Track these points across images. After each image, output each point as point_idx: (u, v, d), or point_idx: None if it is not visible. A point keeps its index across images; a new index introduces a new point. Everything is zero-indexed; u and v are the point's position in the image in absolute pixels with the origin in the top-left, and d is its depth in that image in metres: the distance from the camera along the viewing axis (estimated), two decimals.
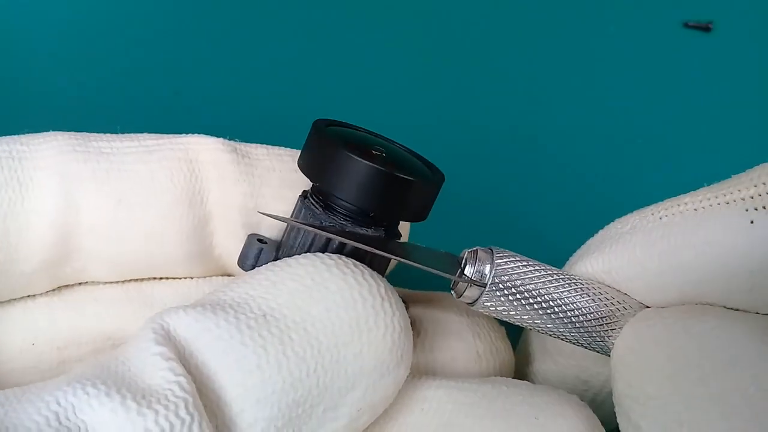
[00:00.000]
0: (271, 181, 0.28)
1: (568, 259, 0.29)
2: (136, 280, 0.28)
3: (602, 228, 0.29)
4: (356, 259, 0.25)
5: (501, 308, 0.26)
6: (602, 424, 0.26)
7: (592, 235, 0.29)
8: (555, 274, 0.26)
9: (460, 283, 0.26)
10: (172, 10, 0.48)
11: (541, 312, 0.25)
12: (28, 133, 0.26)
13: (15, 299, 0.26)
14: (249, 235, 0.27)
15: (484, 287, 0.25)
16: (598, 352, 0.26)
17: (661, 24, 0.51)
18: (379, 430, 0.25)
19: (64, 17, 0.46)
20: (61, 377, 0.21)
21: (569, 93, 0.49)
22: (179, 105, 0.45)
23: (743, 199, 0.23)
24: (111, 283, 0.28)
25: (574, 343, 0.26)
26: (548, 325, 0.26)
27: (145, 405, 0.20)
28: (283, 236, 0.27)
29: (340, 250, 0.25)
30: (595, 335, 0.26)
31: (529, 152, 0.47)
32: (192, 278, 0.28)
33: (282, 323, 0.22)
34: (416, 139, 0.29)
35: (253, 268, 0.26)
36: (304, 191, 0.27)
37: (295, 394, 0.22)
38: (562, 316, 0.25)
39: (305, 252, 0.26)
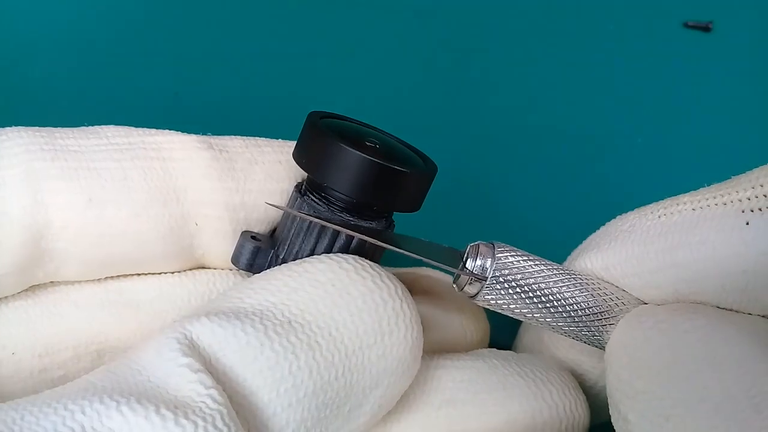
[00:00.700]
0: (255, 175, 0.27)
1: (568, 254, 0.30)
2: (113, 278, 0.27)
3: (602, 224, 0.29)
4: (360, 253, 0.25)
5: (501, 302, 0.26)
6: (596, 416, 0.28)
7: (592, 232, 0.29)
8: (555, 269, 0.26)
9: (462, 276, 0.26)
10: (172, 10, 0.48)
11: (540, 306, 0.26)
12: None
13: None
14: (242, 233, 0.27)
15: (485, 281, 0.26)
16: (595, 346, 0.27)
17: (661, 24, 0.51)
18: (386, 414, 0.26)
19: (64, 17, 0.46)
20: (71, 386, 0.21)
21: (569, 92, 0.49)
22: (179, 105, 0.45)
23: (740, 200, 0.24)
24: (88, 282, 0.27)
25: (572, 337, 0.27)
26: (547, 319, 0.26)
27: (182, 415, 0.19)
28: (277, 230, 0.27)
29: (348, 244, 0.26)
30: (593, 329, 0.26)
31: (529, 151, 0.47)
32: (173, 274, 0.28)
33: (308, 329, 0.23)
34: (416, 133, 0.29)
35: (250, 266, 0.27)
36: (298, 184, 0.27)
37: (324, 396, 0.22)
38: (561, 310, 0.26)
39: (312, 247, 0.26)
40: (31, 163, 0.24)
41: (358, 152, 0.24)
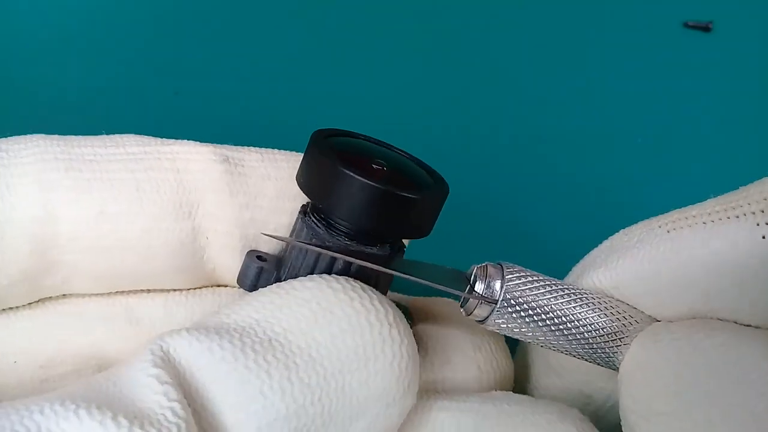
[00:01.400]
0: (267, 191, 0.26)
1: (568, 254, 0.29)
2: (122, 293, 0.27)
3: (603, 233, 0.28)
4: (362, 279, 0.24)
5: (512, 325, 0.25)
6: None
7: (593, 240, 0.28)
8: (565, 289, 0.25)
9: (471, 300, 0.25)
10: (172, 10, 0.48)
11: (553, 329, 0.25)
12: (10, 135, 0.25)
13: None
14: (248, 252, 0.26)
15: (495, 304, 0.25)
16: (606, 367, 0.26)
17: (661, 24, 0.51)
18: None
19: (64, 17, 0.46)
20: (50, 393, 0.20)
21: (569, 93, 0.49)
22: (179, 105, 0.45)
23: (753, 213, 0.23)
24: (96, 295, 0.26)
25: (584, 359, 0.26)
26: (560, 342, 0.25)
27: (138, 425, 0.19)
28: (284, 253, 0.26)
29: (347, 269, 0.24)
30: (606, 351, 0.25)
31: (529, 153, 0.47)
32: (181, 292, 0.27)
33: (287, 348, 0.21)
34: (419, 147, 0.28)
35: (254, 288, 0.26)
36: (304, 206, 0.26)
37: (297, 422, 0.21)
38: (574, 332, 0.25)
39: (310, 271, 0.25)
40: (44, 173, 0.24)
41: (359, 178, 0.23)
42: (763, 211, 0.23)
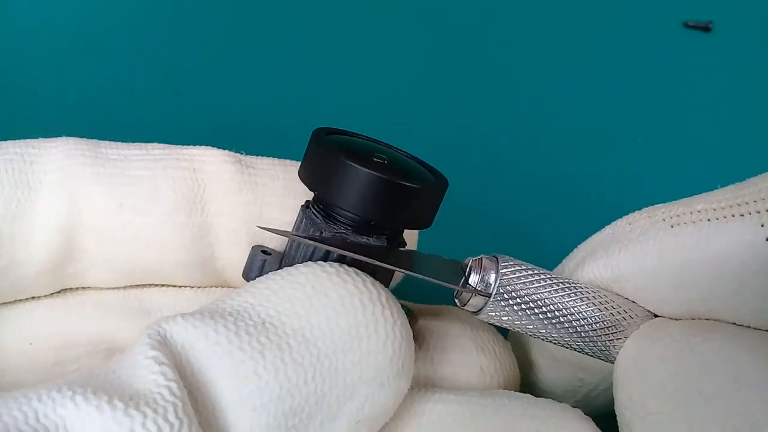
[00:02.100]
0: (275, 190, 0.27)
1: (567, 255, 0.29)
2: (136, 286, 0.28)
3: (602, 225, 0.28)
4: (360, 269, 0.24)
5: (506, 317, 0.25)
6: (593, 419, 0.26)
7: (591, 233, 0.28)
8: (560, 282, 0.25)
9: (465, 292, 0.25)
10: (172, 10, 0.48)
11: (546, 321, 0.25)
12: (11, 135, 0.26)
13: (18, 300, 0.27)
14: (253, 247, 0.27)
15: (489, 297, 0.25)
16: (601, 359, 0.26)
17: (661, 24, 0.51)
18: None
19: (64, 17, 0.46)
20: (50, 382, 0.21)
21: (569, 93, 0.49)
22: (179, 105, 0.45)
23: (758, 212, 0.23)
24: (111, 289, 0.28)
25: (578, 351, 0.26)
26: (553, 335, 0.25)
27: (133, 406, 0.19)
28: (286, 247, 0.27)
29: (341, 261, 0.25)
30: (599, 344, 0.25)
31: (529, 153, 0.47)
32: (191, 288, 0.28)
33: (281, 330, 0.22)
34: (417, 144, 0.29)
35: None
36: (307, 201, 0.27)
37: (292, 402, 0.21)
38: (567, 325, 0.25)
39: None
40: (70, 168, 0.26)
41: (362, 168, 0.23)
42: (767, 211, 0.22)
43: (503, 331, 0.30)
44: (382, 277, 0.25)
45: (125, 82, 0.45)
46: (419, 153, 0.28)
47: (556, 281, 0.25)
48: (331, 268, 0.23)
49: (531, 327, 0.25)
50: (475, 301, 0.25)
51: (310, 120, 0.43)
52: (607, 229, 0.28)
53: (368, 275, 0.24)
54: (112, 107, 0.44)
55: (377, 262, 0.24)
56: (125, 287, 0.28)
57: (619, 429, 0.24)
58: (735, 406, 0.21)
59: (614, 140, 0.48)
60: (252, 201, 0.27)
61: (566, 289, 0.25)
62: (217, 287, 0.29)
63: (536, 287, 0.25)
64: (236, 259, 0.27)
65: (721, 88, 0.49)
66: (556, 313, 0.25)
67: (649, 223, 0.25)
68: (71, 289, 0.27)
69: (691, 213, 0.24)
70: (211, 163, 0.27)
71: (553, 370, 0.30)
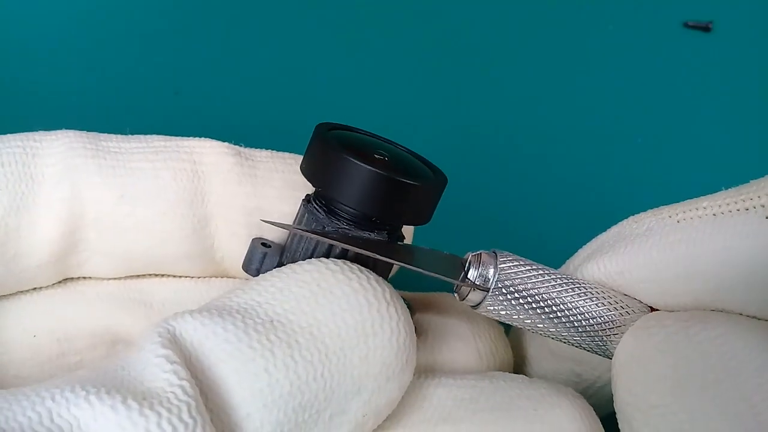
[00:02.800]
0: (274, 182, 0.28)
1: (567, 255, 0.29)
2: (137, 277, 0.28)
3: (601, 225, 0.28)
4: (360, 264, 0.25)
5: (504, 311, 0.26)
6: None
7: (591, 233, 0.29)
8: (558, 277, 0.26)
9: (464, 286, 0.26)
10: (172, 10, 0.48)
11: (543, 316, 0.25)
12: (41, 130, 0.27)
13: (21, 292, 0.27)
14: (253, 239, 0.27)
15: (488, 291, 0.25)
16: (600, 354, 0.26)
17: (661, 24, 0.51)
18: (380, 429, 0.25)
19: (64, 17, 0.46)
20: (59, 378, 0.21)
21: (569, 93, 0.49)
22: (179, 105, 0.45)
23: (763, 206, 0.23)
24: (112, 280, 0.28)
25: (576, 346, 0.26)
26: (551, 329, 0.26)
27: (147, 406, 0.19)
28: (287, 240, 0.27)
29: (344, 255, 0.25)
30: (597, 339, 0.26)
31: (529, 153, 0.47)
32: (191, 279, 0.29)
33: (288, 327, 0.22)
34: (418, 140, 0.29)
35: (258, 273, 0.27)
36: (308, 195, 0.27)
37: (302, 398, 0.22)
38: (564, 320, 0.25)
39: (309, 256, 0.26)
40: (72, 160, 0.26)
41: (362, 164, 0.24)
42: None
43: (505, 326, 0.30)
44: (381, 271, 0.26)
45: (125, 82, 0.45)
46: (421, 150, 0.28)
47: (554, 276, 0.26)
48: (335, 266, 0.24)
49: (529, 321, 0.26)
50: (474, 296, 0.26)
51: (310, 119, 0.43)
52: (614, 229, 0.28)
53: (371, 272, 0.24)
54: (112, 107, 0.44)
55: (380, 257, 0.24)
56: (125, 278, 0.28)
57: (619, 426, 0.24)
58: (734, 392, 0.21)
59: (614, 140, 0.48)
60: (251, 193, 0.27)
61: (564, 285, 0.25)
62: (216, 277, 0.29)
63: (534, 282, 0.25)
64: (235, 250, 0.28)
65: (721, 88, 0.49)
66: (554, 308, 0.25)
67: (656, 221, 0.26)
68: (71, 279, 0.28)
69: (696, 209, 0.25)
70: (210, 155, 0.27)
71: (551, 365, 0.30)
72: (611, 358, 0.26)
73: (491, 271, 0.25)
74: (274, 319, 0.22)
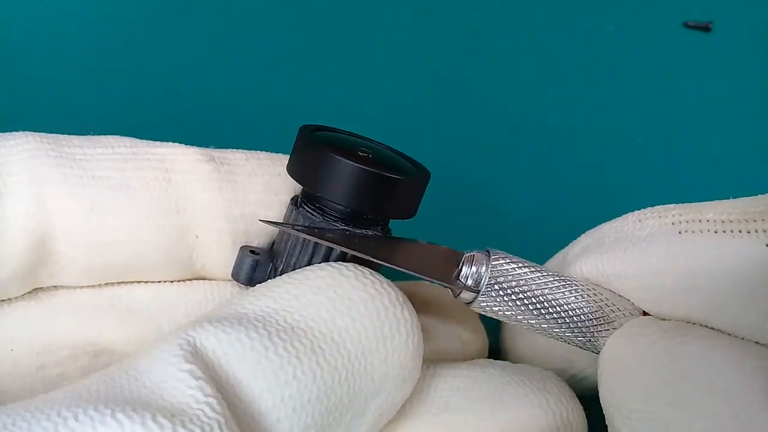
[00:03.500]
0: (255, 187, 0.27)
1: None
2: (115, 284, 0.27)
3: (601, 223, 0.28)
4: (357, 260, 0.25)
5: (497, 308, 0.26)
6: (579, 399, 0.28)
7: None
8: (550, 275, 0.26)
9: (457, 283, 0.26)
10: (171, 10, 0.48)
11: (536, 312, 0.26)
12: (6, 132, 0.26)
13: None
14: (241, 248, 0.27)
15: (479, 291, 0.26)
16: (589, 350, 0.27)
17: (661, 24, 0.51)
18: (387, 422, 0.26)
19: (63, 17, 0.46)
20: (67, 391, 0.20)
21: (568, 92, 0.49)
22: (179, 105, 0.45)
23: (765, 231, 0.23)
24: (88, 287, 0.27)
25: (566, 342, 0.27)
26: (542, 325, 0.26)
27: (179, 424, 0.19)
28: (275, 243, 0.27)
29: (343, 256, 0.26)
30: (587, 335, 0.26)
31: (528, 151, 0.47)
32: (172, 282, 0.28)
33: (310, 334, 0.23)
34: (410, 136, 0.29)
35: (251, 280, 0.27)
36: (294, 197, 0.27)
37: (328, 402, 0.22)
38: (556, 316, 0.26)
39: (309, 258, 0.26)
40: (36, 169, 0.25)
41: (350, 161, 0.25)
42: None
43: (496, 321, 0.30)
44: (375, 265, 0.26)
45: (125, 82, 0.45)
46: (417, 147, 0.29)
47: (545, 274, 0.26)
48: (349, 272, 0.24)
49: (521, 317, 0.26)
50: (466, 295, 0.26)
51: (310, 119, 0.43)
52: (615, 222, 0.28)
53: (381, 276, 0.25)
54: (112, 107, 0.44)
55: (377, 261, 0.25)
56: (102, 285, 0.27)
57: (606, 421, 0.25)
58: (705, 409, 0.22)
59: (614, 140, 0.48)
60: (233, 199, 0.27)
61: (556, 282, 0.26)
62: (199, 280, 0.28)
63: (526, 280, 0.26)
64: (218, 258, 0.27)
65: (721, 88, 0.49)
66: (546, 305, 0.26)
67: (658, 225, 0.26)
68: (44, 289, 0.27)
69: (700, 221, 0.25)
70: (183, 162, 0.27)
71: (544, 351, 0.31)
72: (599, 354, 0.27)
73: (483, 269, 0.26)
74: (294, 326, 0.23)
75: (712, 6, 0.51)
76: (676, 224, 0.25)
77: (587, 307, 0.26)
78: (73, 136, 0.26)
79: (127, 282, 0.27)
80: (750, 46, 0.50)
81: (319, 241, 0.25)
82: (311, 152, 0.25)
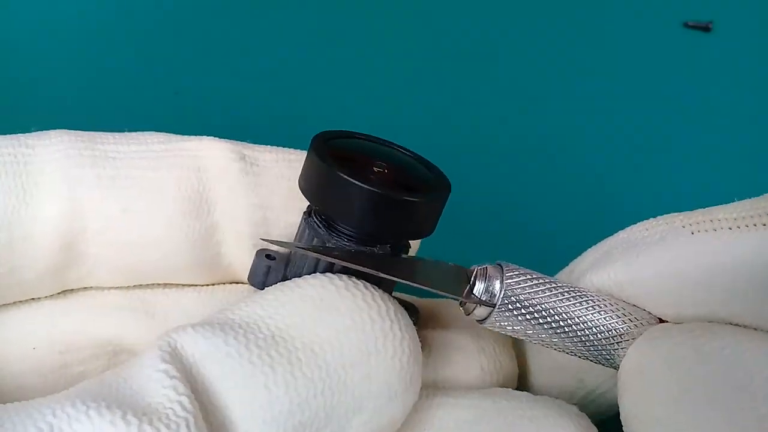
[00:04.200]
0: (281, 191, 0.27)
1: (567, 256, 0.29)
2: (140, 287, 0.27)
3: (604, 234, 0.28)
4: (364, 278, 0.24)
5: (510, 327, 0.25)
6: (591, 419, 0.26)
7: (594, 240, 0.28)
8: (566, 289, 0.25)
9: (469, 302, 0.25)
10: (172, 10, 0.48)
11: (551, 330, 0.25)
12: (35, 130, 0.26)
13: (19, 302, 0.26)
14: (257, 251, 0.27)
15: (494, 307, 0.25)
16: (607, 366, 0.26)
17: (661, 24, 0.51)
18: None
19: (64, 17, 0.46)
20: (63, 392, 0.21)
21: (569, 94, 0.49)
22: (179, 105, 0.45)
23: None
24: (114, 289, 0.27)
25: (582, 358, 0.26)
26: (559, 342, 0.25)
27: (146, 422, 0.19)
28: (290, 251, 0.27)
29: (346, 270, 0.25)
30: (605, 352, 0.25)
31: (528, 153, 0.47)
32: (195, 288, 0.28)
33: (290, 344, 0.22)
34: (421, 145, 0.28)
35: (264, 285, 0.26)
36: (309, 207, 0.26)
37: (302, 416, 0.21)
38: (572, 334, 0.25)
39: (312, 270, 0.25)
40: (69, 170, 0.25)
41: (358, 183, 0.23)
42: None
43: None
44: (386, 286, 0.25)
45: (125, 82, 0.45)
46: (423, 155, 0.27)
47: (561, 288, 0.25)
48: (340, 282, 0.23)
49: (538, 334, 0.25)
50: (480, 311, 0.25)
51: (311, 118, 0.43)
52: (621, 234, 0.27)
53: (376, 288, 0.24)
54: (112, 107, 0.44)
55: (382, 275, 0.24)
56: (127, 287, 0.27)
57: None
58: (742, 406, 0.21)
59: (614, 140, 0.48)
60: (257, 204, 0.27)
61: (572, 298, 0.25)
62: (220, 284, 0.28)
63: (542, 296, 0.25)
64: (243, 259, 0.27)
65: (721, 88, 0.49)
66: (561, 322, 0.25)
67: (668, 229, 0.25)
68: (73, 290, 0.27)
69: (711, 221, 0.24)
70: (215, 159, 0.26)
71: (553, 370, 0.30)
72: (617, 369, 0.26)
73: (497, 285, 0.25)
74: (276, 334, 0.22)
75: (712, 6, 0.51)
76: (687, 227, 0.25)
77: (606, 322, 0.25)
78: (108, 133, 0.26)
79: (152, 286, 0.27)
80: (750, 46, 0.50)
81: (321, 257, 0.24)
82: (320, 170, 0.24)
